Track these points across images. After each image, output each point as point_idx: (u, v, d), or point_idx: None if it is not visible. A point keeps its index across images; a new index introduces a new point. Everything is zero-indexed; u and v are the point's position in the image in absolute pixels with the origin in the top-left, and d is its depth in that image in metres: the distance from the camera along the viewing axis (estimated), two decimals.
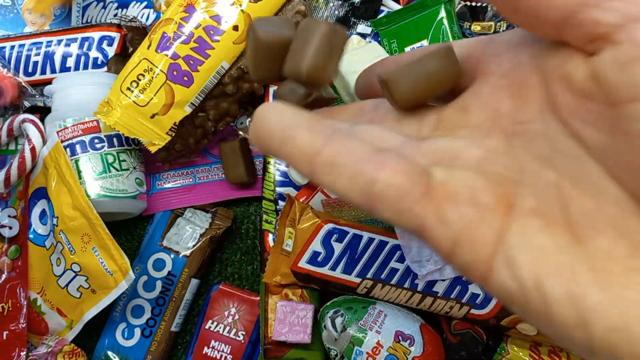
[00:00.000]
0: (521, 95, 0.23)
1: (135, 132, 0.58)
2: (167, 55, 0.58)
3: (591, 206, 0.20)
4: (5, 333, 0.63)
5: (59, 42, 0.68)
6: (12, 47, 0.68)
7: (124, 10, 0.71)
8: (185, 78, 0.58)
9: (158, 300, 0.65)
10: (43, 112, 0.68)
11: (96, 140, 0.62)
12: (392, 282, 0.58)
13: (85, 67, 0.68)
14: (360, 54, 0.62)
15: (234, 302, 0.65)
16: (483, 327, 0.60)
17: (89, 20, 0.72)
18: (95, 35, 0.68)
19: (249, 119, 0.69)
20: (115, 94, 0.58)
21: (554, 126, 0.21)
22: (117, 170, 0.62)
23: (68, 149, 0.61)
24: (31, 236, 0.65)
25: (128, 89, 0.58)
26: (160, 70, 0.57)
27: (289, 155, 0.23)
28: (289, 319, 0.60)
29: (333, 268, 0.59)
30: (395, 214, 0.21)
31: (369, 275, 0.59)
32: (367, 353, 0.58)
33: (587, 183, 0.20)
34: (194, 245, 0.66)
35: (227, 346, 0.65)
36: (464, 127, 0.24)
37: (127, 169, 0.63)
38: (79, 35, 0.68)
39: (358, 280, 0.59)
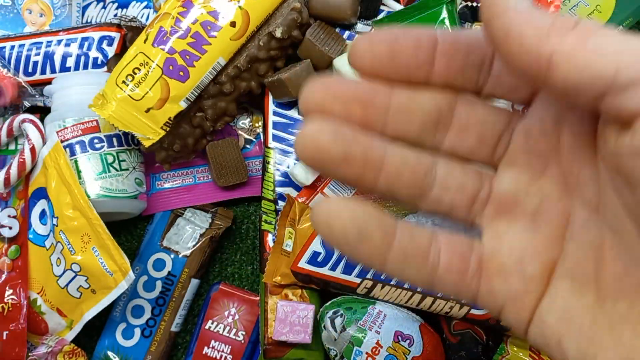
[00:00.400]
0: None
1: (130, 125, 0.58)
2: (163, 50, 0.58)
3: (621, 269, 0.21)
4: (5, 333, 0.63)
5: (59, 42, 0.68)
6: (12, 47, 0.68)
7: (124, 10, 0.71)
8: (181, 73, 0.58)
9: (158, 300, 0.65)
10: (43, 112, 0.68)
11: (96, 140, 0.62)
12: (392, 282, 0.58)
13: (85, 67, 0.68)
14: None
15: (234, 302, 0.65)
16: (483, 327, 0.60)
17: (89, 20, 0.72)
18: (95, 35, 0.68)
19: (249, 118, 0.69)
20: (111, 87, 0.58)
21: (604, 175, 0.22)
22: (117, 170, 0.62)
23: (68, 149, 0.61)
24: (31, 236, 0.65)
25: (123, 82, 0.58)
26: (156, 64, 0.57)
27: (361, 253, 0.24)
28: (290, 319, 0.59)
29: (333, 268, 0.59)
30: (453, 292, 0.24)
31: (369, 276, 0.58)
32: (367, 353, 0.58)
33: (623, 243, 0.21)
34: (194, 245, 0.66)
35: (227, 346, 0.65)
36: (526, 152, 0.25)
37: (127, 169, 0.63)
38: (79, 35, 0.68)
39: (358, 280, 0.58)
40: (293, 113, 0.65)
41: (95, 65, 0.68)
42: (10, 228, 0.64)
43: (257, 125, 0.69)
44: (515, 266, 0.24)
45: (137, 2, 0.71)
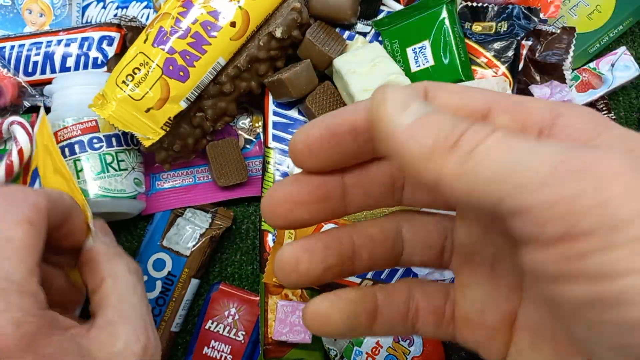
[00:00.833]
0: None
1: (130, 125, 0.58)
2: (163, 50, 0.58)
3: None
4: None
5: (59, 42, 0.68)
6: (12, 47, 0.68)
7: (124, 10, 0.71)
8: (181, 73, 0.58)
9: (158, 301, 0.65)
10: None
11: (95, 140, 0.62)
12: (393, 282, 0.58)
13: (85, 67, 0.68)
14: (361, 55, 0.62)
15: (234, 302, 0.65)
16: None
17: (89, 20, 0.72)
18: (95, 35, 0.68)
19: (249, 118, 0.69)
20: (111, 87, 0.58)
21: None
22: (116, 170, 0.62)
23: (67, 149, 0.61)
24: None
25: (123, 82, 0.58)
26: (156, 64, 0.57)
27: (351, 336, 0.31)
28: (290, 319, 0.59)
29: None
30: (433, 337, 0.28)
31: (369, 276, 0.58)
32: (367, 353, 0.58)
33: None
34: (194, 246, 0.66)
35: (227, 346, 0.65)
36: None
37: (126, 169, 0.63)
38: (79, 35, 0.68)
39: (358, 280, 0.58)
40: (293, 113, 0.65)
41: (95, 65, 0.68)
42: None
43: (257, 125, 0.69)
44: (477, 317, 0.26)
45: (137, 2, 0.71)
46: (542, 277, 0.19)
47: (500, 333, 0.25)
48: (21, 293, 0.33)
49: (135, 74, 0.58)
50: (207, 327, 0.65)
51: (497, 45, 0.63)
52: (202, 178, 0.68)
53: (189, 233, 0.66)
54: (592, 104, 0.68)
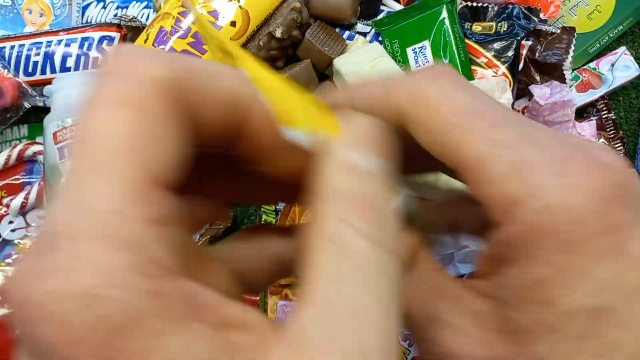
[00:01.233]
0: None
1: None
2: (163, 50, 0.58)
3: None
4: None
5: (59, 42, 0.68)
6: (12, 47, 0.68)
7: (124, 10, 0.71)
8: None
9: None
10: (43, 112, 0.67)
11: None
12: None
13: (85, 67, 0.68)
14: (361, 54, 0.62)
15: None
16: None
17: (89, 20, 0.72)
18: (95, 35, 0.68)
19: None
20: None
21: None
22: None
23: (66, 149, 0.61)
24: None
25: None
26: None
27: None
28: None
29: None
30: None
31: None
32: None
33: None
34: None
35: None
36: None
37: None
38: (79, 35, 0.68)
39: None
40: None
41: (96, 65, 0.68)
42: None
43: None
44: None
45: (137, 2, 0.71)
46: None
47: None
48: (124, 244, 0.16)
49: None
50: None
51: (497, 45, 0.63)
52: None
53: None
54: (592, 104, 0.68)
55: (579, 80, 0.68)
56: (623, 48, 0.68)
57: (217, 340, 0.17)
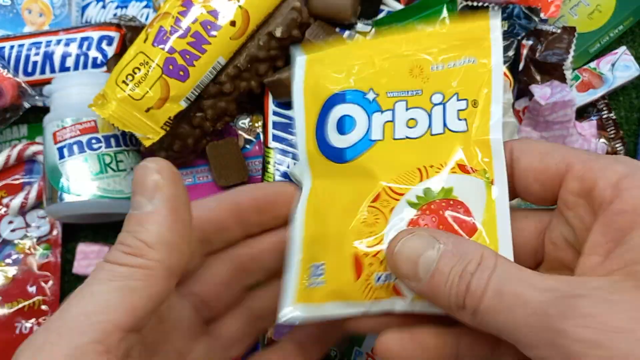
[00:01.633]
0: None
1: (130, 125, 0.58)
2: (163, 49, 0.58)
3: None
4: None
5: (59, 42, 0.68)
6: (12, 47, 0.68)
7: (124, 9, 0.71)
8: (181, 72, 0.58)
9: None
10: (43, 112, 0.67)
11: (93, 141, 0.62)
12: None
13: (85, 67, 0.68)
14: None
15: None
16: None
17: (88, 20, 0.72)
18: (95, 35, 0.68)
19: (249, 118, 0.69)
20: (111, 87, 0.58)
21: None
22: (114, 170, 0.62)
23: (66, 149, 0.61)
24: None
25: (123, 82, 0.58)
26: (156, 64, 0.57)
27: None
28: None
29: None
30: None
31: None
32: (367, 354, 0.58)
33: None
34: None
35: None
36: None
37: (125, 170, 0.63)
38: (79, 35, 0.68)
39: None
40: (293, 113, 0.65)
41: (95, 65, 0.68)
42: None
43: (257, 125, 0.69)
44: None
45: (136, 1, 0.71)
46: None
47: None
48: None
49: (135, 73, 0.58)
50: None
51: None
52: (201, 178, 0.68)
53: None
54: (592, 104, 0.68)
55: (579, 80, 0.68)
56: (623, 48, 0.68)
57: None
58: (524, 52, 0.65)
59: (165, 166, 0.29)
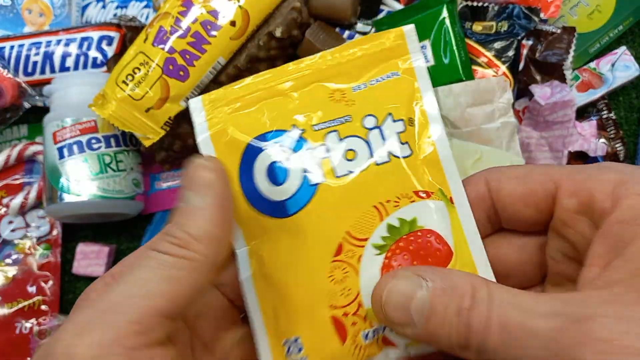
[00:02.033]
0: None
1: (130, 125, 0.58)
2: (163, 49, 0.58)
3: None
4: None
5: (59, 42, 0.68)
6: (12, 47, 0.68)
7: (124, 9, 0.71)
8: (181, 72, 0.58)
9: None
10: (43, 112, 0.67)
11: (93, 141, 0.62)
12: None
13: (85, 67, 0.68)
14: None
15: None
16: None
17: (88, 20, 0.72)
18: (95, 35, 0.68)
19: None
20: (111, 87, 0.58)
21: None
22: (114, 170, 0.62)
23: (65, 149, 0.61)
24: None
25: (123, 82, 0.58)
26: (156, 64, 0.57)
27: None
28: None
29: None
30: None
31: None
32: None
33: None
34: None
35: None
36: None
37: (125, 170, 0.63)
38: (79, 35, 0.68)
39: None
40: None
41: (95, 65, 0.68)
42: None
43: None
44: None
45: (136, 1, 0.71)
46: None
47: None
48: None
49: (135, 73, 0.58)
50: None
51: (497, 44, 0.63)
52: None
53: None
54: (592, 104, 0.68)
55: (579, 80, 0.68)
56: (623, 48, 0.68)
57: None
58: (524, 52, 0.65)
59: (218, 165, 0.30)
